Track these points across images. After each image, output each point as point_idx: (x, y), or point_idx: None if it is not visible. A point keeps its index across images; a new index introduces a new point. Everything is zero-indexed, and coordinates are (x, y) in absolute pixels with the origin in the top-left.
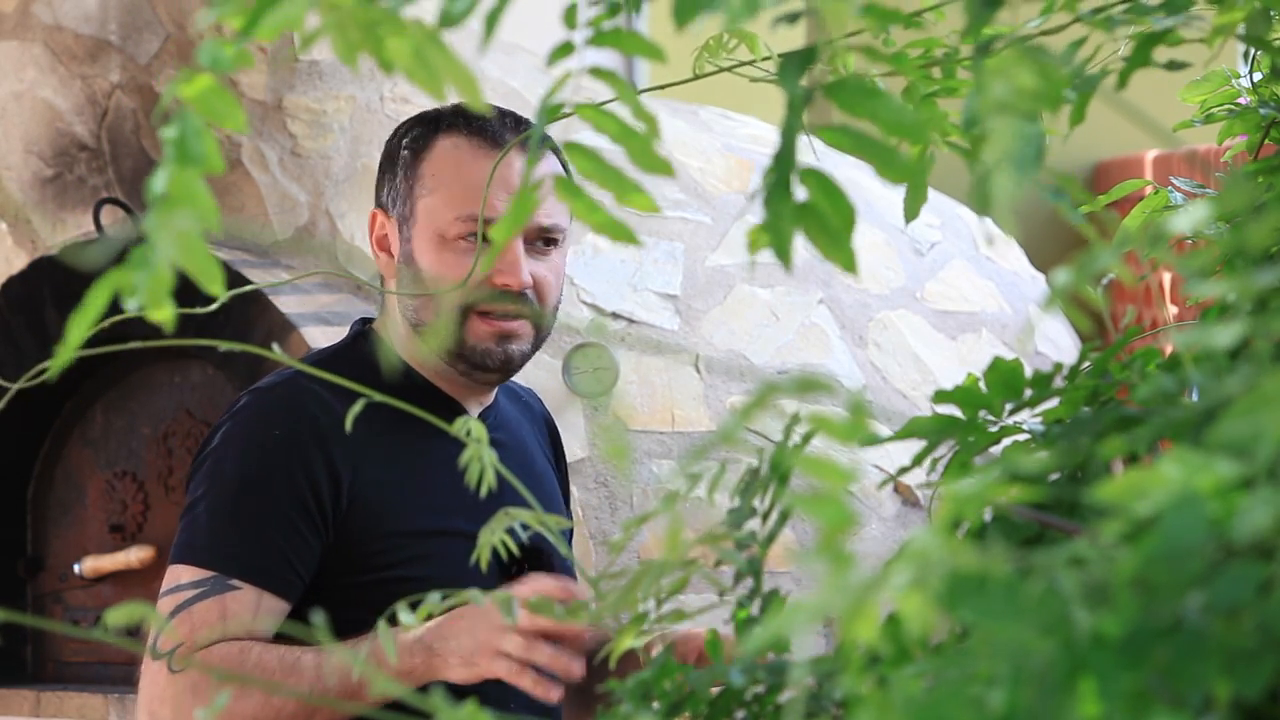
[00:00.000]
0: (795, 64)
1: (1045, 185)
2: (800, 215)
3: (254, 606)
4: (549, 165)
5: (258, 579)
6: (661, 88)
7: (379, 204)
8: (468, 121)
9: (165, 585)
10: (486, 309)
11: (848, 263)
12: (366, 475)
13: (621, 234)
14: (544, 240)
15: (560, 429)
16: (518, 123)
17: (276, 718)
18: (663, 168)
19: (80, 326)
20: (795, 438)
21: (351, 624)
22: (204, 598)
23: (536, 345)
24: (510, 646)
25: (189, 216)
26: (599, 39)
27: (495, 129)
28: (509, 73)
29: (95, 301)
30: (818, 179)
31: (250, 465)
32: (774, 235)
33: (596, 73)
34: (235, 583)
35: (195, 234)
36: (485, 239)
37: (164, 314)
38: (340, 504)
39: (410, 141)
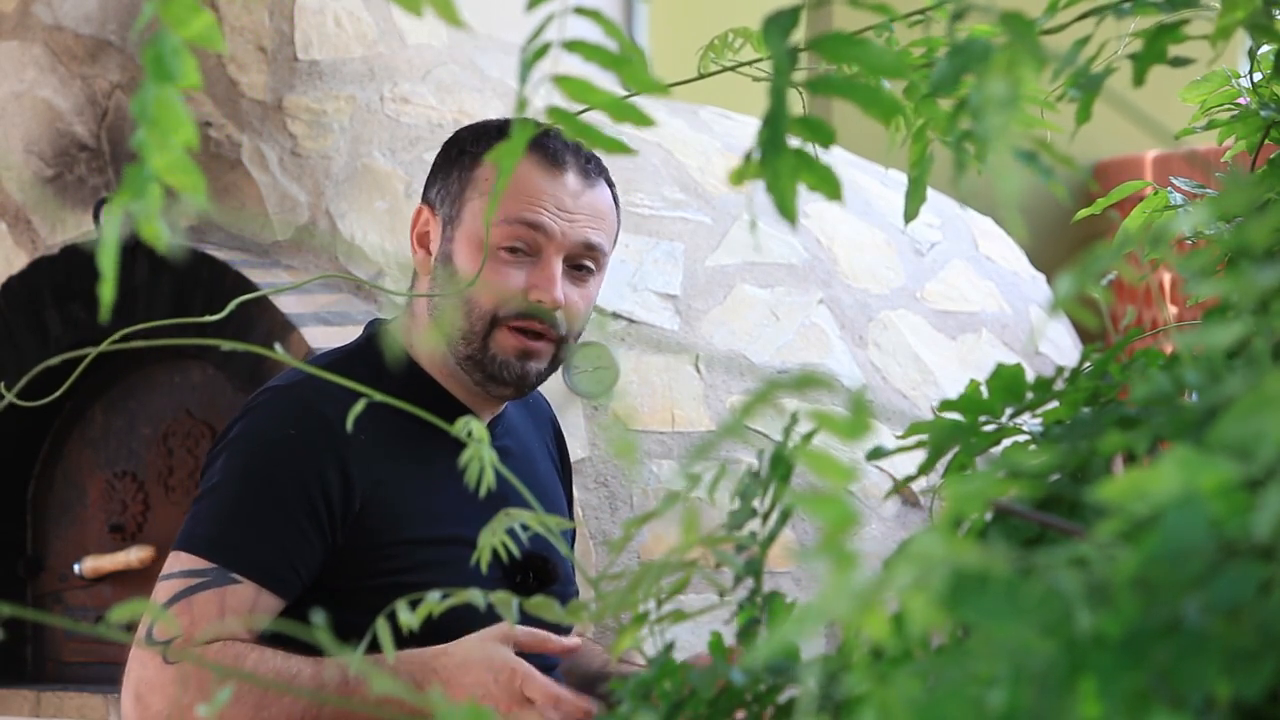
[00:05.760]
0: (779, 25)
1: (1039, 166)
2: (797, 164)
3: (252, 602)
4: (605, 195)
5: (258, 575)
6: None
7: (426, 200)
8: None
9: (165, 570)
10: (517, 324)
11: (833, 191)
12: (380, 479)
13: (616, 146)
14: (583, 263)
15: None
16: (580, 151)
17: None
18: (656, 87)
19: (108, 259)
20: (796, 436)
21: (359, 628)
22: (204, 588)
23: (553, 367)
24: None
25: (170, 135)
26: None
27: (556, 148)
28: (508, 73)
29: (110, 231)
30: (802, 121)
31: (259, 462)
32: (776, 192)
33: (580, 11)
34: (236, 576)
35: (180, 151)
36: (528, 253)
37: (155, 233)
38: (351, 506)
39: (473, 146)
